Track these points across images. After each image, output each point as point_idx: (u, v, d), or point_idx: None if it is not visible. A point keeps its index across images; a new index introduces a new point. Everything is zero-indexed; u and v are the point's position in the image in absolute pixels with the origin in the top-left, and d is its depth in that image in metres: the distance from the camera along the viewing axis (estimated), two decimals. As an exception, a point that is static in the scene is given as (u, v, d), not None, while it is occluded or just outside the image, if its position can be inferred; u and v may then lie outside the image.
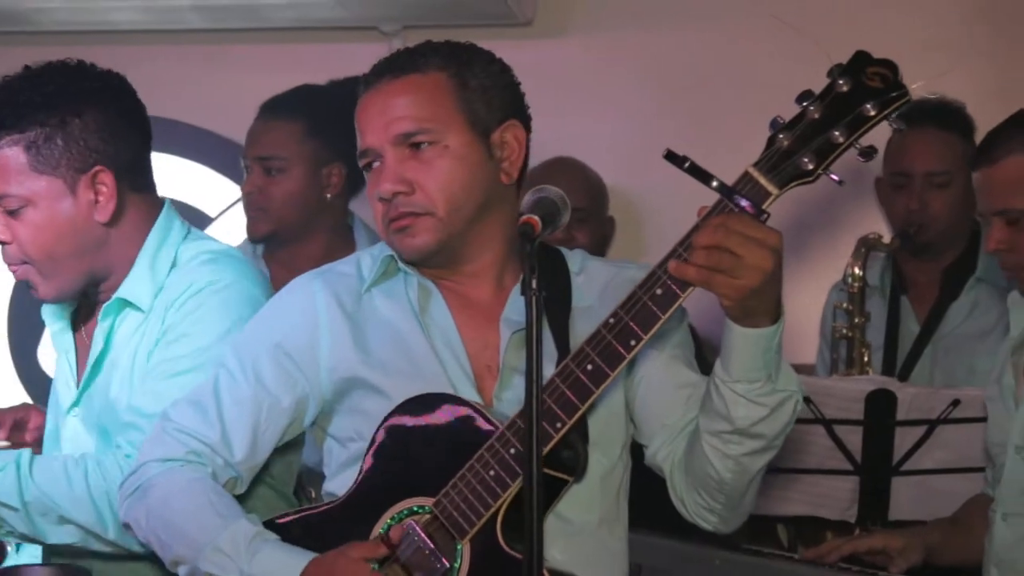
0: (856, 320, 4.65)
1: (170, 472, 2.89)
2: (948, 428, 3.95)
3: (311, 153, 4.39)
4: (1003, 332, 4.19)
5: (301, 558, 2.75)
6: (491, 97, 2.85)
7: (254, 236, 4.47)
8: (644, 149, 5.20)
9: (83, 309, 3.35)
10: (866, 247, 4.71)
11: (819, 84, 2.54)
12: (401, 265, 2.91)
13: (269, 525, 2.87)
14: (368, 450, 2.84)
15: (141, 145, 3.24)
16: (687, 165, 2.52)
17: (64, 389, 3.34)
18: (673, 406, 2.85)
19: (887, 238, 4.73)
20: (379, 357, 2.87)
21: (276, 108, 4.47)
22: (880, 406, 3.98)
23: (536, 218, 2.53)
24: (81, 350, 3.33)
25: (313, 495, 3.72)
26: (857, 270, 4.68)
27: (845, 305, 4.68)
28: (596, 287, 2.92)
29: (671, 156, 2.52)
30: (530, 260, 2.44)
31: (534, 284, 2.42)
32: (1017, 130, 3.42)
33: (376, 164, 2.85)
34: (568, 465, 2.75)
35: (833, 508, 4.04)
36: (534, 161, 4.50)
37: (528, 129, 2.92)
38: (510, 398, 2.82)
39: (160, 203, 3.27)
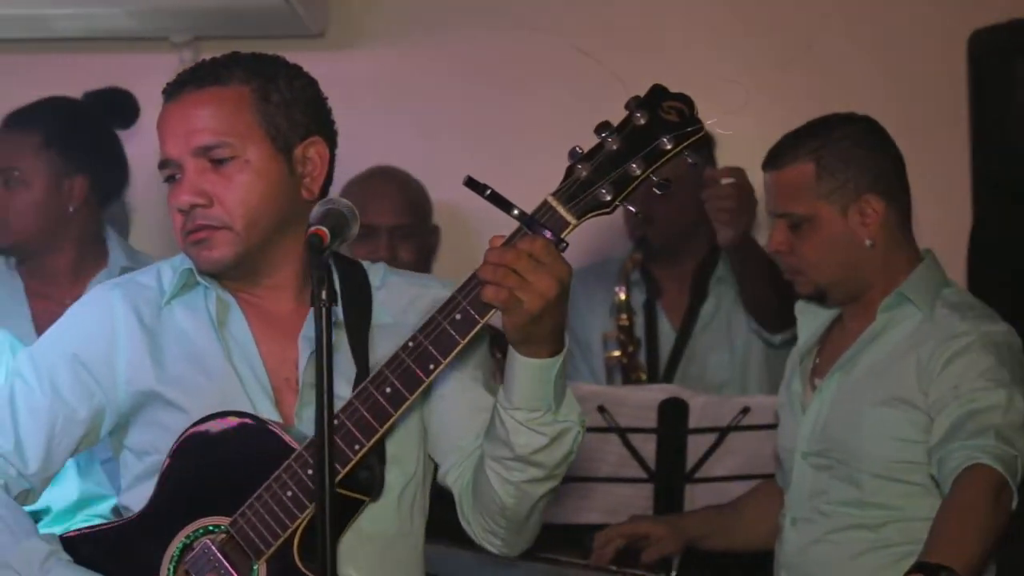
0: (629, 348, 4.71)
1: None
2: (738, 435, 4.02)
3: (48, 165, 4.31)
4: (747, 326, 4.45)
5: None
6: (293, 112, 2.83)
7: None
8: (451, 158, 5.24)
9: None
10: (625, 271, 4.77)
11: (612, 105, 2.55)
12: (199, 278, 2.87)
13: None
14: (163, 466, 2.80)
15: None
16: (488, 193, 2.52)
17: None
18: (468, 428, 2.83)
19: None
20: (175, 371, 2.84)
21: (15, 119, 4.39)
22: (672, 414, 4.04)
23: (324, 229, 2.51)
24: None
25: None
26: (622, 296, 4.74)
27: (618, 336, 4.72)
28: (399, 303, 2.90)
29: (471, 183, 2.52)
30: (318, 272, 2.43)
31: (323, 296, 2.40)
32: (807, 138, 3.48)
33: (177, 175, 2.82)
34: (365, 486, 2.74)
35: (628, 516, 4.07)
36: (349, 174, 4.50)
37: (333, 145, 2.90)
38: (310, 416, 2.75)
39: None
